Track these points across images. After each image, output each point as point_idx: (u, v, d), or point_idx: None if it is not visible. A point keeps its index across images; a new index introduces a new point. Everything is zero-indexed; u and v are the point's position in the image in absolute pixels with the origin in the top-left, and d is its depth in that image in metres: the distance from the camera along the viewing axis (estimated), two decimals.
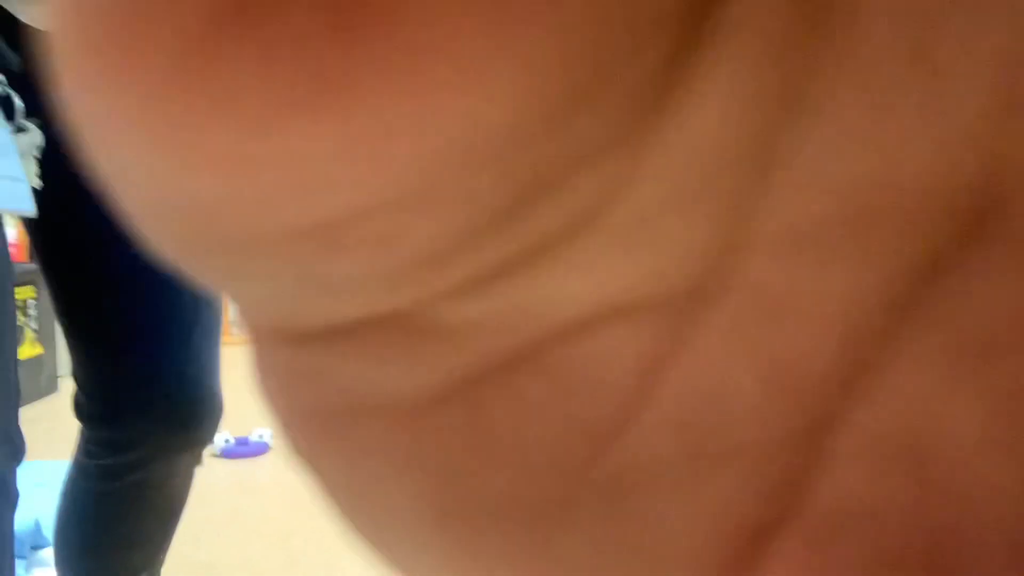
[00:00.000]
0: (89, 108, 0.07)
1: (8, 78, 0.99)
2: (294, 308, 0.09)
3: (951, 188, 0.07)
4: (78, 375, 1.19)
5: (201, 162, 0.07)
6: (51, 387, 3.35)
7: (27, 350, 3.23)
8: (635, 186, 0.07)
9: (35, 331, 3.37)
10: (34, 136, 0.98)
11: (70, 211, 1.09)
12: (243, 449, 2.74)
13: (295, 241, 0.07)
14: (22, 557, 1.84)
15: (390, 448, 0.09)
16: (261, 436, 2.77)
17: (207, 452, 2.77)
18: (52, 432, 1.23)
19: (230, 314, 4.27)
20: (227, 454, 2.73)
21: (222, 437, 2.72)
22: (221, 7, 0.06)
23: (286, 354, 0.09)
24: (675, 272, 0.08)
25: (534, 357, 0.08)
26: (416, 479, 0.09)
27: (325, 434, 0.09)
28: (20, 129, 0.97)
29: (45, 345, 3.37)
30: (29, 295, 3.28)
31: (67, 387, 1.44)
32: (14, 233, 2.03)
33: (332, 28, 0.06)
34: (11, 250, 1.08)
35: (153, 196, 0.08)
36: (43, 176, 1.01)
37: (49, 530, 1.44)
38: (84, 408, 1.19)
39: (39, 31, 1.02)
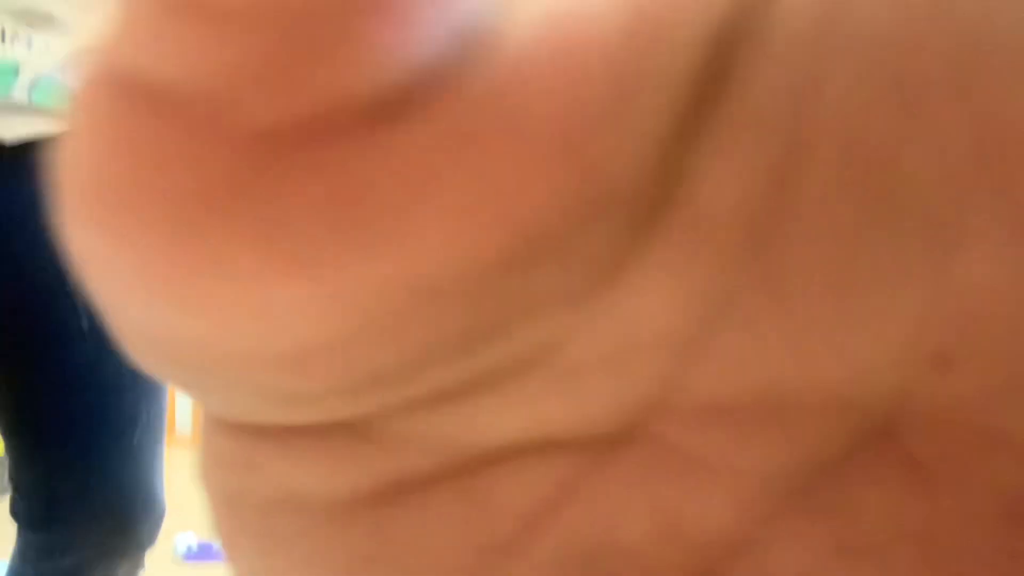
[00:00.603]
0: (90, 258, 0.08)
1: None
2: (250, 412, 0.10)
3: (849, 406, 0.08)
4: (15, 477, 1.17)
5: (191, 309, 0.08)
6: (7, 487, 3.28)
7: None
8: (577, 342, 0.09)
9: None
10: None
11: (8, 311, 1.09)
12: (207, 554, 2.68)
13: (266, 366, 0.08)
14: None
15: (302, 542, 0.10)
16: None
17: (169, 558, 2.70)
18: (10, 533, 1.20)
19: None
20: (190, 558, 2.66)
21: (185, 541, 2.66)
22: (216, 188, 0.08)
23: (226, 442, 0.10)
24: (596, 421, 0.09)
25: (453, 476, 0.09)
26: (319, 575, 0.10)
27: (247, 522, 0.10)
28: None
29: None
30: None
31: None
32: None
33: (320, 214, 0.07)
34: None
35: (142, 328, 0.09)
36: None
37: None
38: (21, 511, 1.17)
39: None
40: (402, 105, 0.07)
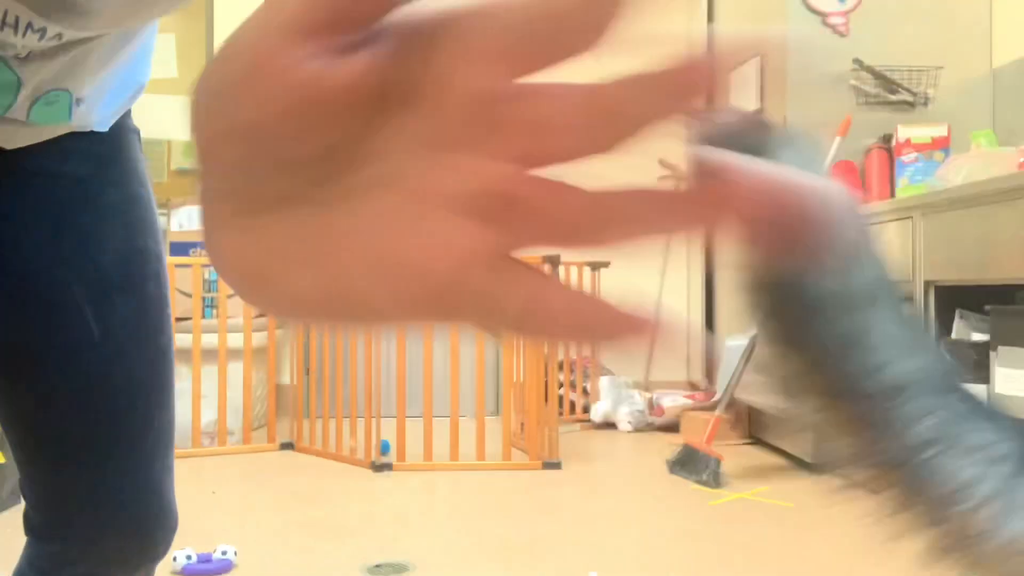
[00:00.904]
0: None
1: None
2: (260, 183, 0.27)
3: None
4: (25, 487, 1.15)
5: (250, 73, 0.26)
6: (14, 499, 3.26)
7: None
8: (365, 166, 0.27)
9: None
10: None
11: (17, 321, 1.08)
12: (206, 567, 2.66)
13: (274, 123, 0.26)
14: None
15: (289, 242, 0.28)
16: (224, 553, 2.69)
17: (168, 569, 2.67)
18: (9, 546, 1.18)
19: (201, 424, 4.19)
20: (189, 571, 2.64)
21: (184, 554, 2.64)
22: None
23: (233, 223, 0.28)
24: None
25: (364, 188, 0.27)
26: (300, 254, 0.28)
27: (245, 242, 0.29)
28: None
29: (7, 455, 3.29)
30: None
31: None
32: None
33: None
34: None
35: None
36: None
37: None
38: (32, 521, 1.15)
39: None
40: None
